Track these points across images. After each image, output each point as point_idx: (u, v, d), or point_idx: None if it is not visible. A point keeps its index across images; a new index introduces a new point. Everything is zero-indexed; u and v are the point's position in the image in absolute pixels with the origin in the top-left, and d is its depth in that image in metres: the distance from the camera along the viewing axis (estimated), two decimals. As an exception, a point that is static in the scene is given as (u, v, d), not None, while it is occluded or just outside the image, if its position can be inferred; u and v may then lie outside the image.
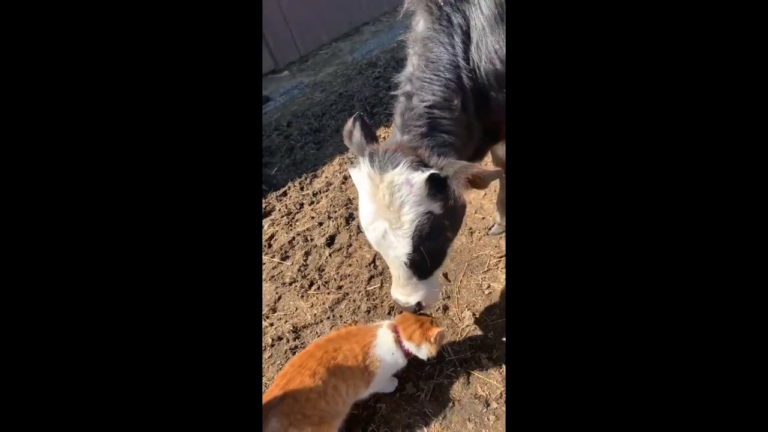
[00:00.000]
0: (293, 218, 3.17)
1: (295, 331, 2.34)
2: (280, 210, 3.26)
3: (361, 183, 1.62)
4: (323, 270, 2.67)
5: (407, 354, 1.77)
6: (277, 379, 1.71)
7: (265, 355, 2.28)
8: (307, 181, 3.47)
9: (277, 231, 3.09)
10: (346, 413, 1.76)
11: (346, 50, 5.56)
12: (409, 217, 1.58)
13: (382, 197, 1.56)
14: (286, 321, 2.43)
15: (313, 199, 3.28)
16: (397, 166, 1.55)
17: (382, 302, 2.37)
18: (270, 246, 2.97)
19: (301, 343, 2.26)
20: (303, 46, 5.53)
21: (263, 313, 2.51)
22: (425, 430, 1.77)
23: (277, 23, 5.18)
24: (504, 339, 1.99)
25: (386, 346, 1.76)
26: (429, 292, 1.79)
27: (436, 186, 1.58)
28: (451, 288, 2.30)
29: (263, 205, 3.34)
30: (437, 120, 1.68)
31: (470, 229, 2.60)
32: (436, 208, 1.59)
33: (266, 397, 1.64)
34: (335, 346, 1.75)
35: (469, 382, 1.87)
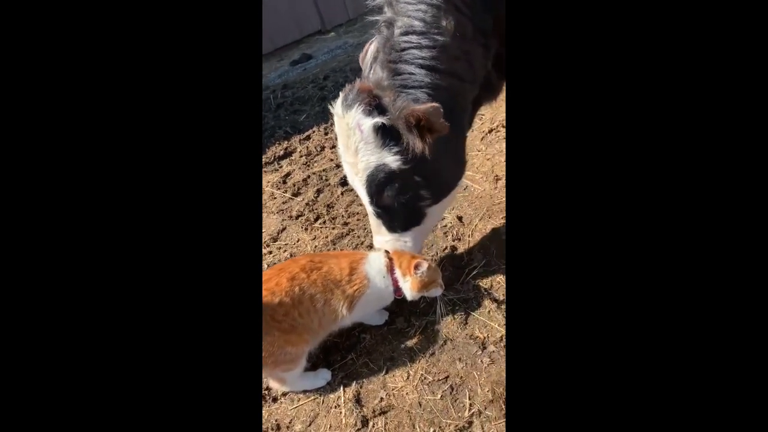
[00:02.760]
0: (312, 159, 3.05)
1: (292, 259, 2.21)
2: (300, 151, 3.16)
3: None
4: (332, 207, 2.53)
5: (396, 285, 1.56)
6: (253, 280, 1.57)
7: (258, 279, 2.16)
8: (333, 126, 3.35)
9: (294, 170, 2.99)
10: (322, 336, 1.58)
11: (395, 16, 5.40)
12: (362, 165, 1.42)
13: (344, 138, 1.43)
14: (285, 250, 2.30)
15: (335, 143, 3.14)
16: (353, 107, 1.37)
17: (386, 240, 2.18)
18: (284, 182, 2.88)
19: (295, 270, 2.12)
20: (353, 10, 5.44)
21: (263, 241, 2.40)
22: (409, 364, 1.56)
23: (329, -16, 5.12)
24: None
25: (377, 267, 1.57)
26: (400, 245, 1.61)
27: (389, 136, 1.37)
28: (464, 231, 2.07)
29: (285, 147, 3.26)
30: (413, 51, 1.40)
31: (496, 176, 2.34)
32: (392, 161, 1.39)
33: (237, 297, 1.50)
34: (322, 258, 1.59)
35: (466, 323, 1.64)
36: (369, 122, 1.35)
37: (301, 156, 3.10)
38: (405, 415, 1.42)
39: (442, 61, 1.41)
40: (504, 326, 1.58)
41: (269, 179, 2.96)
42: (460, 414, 1.38)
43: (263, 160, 3.18)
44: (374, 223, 1.59)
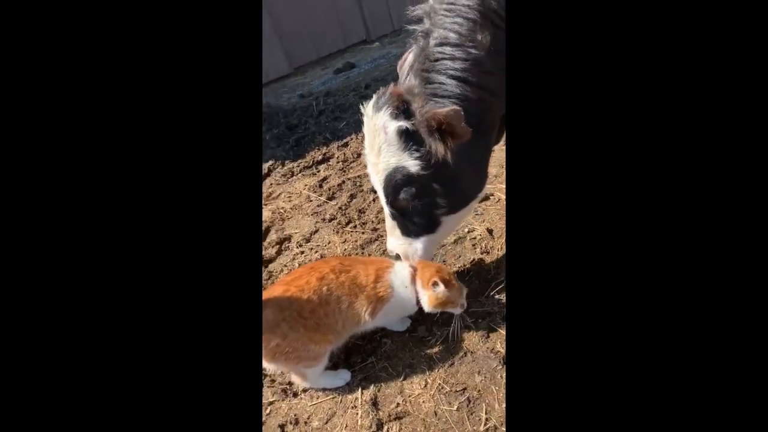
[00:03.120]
0: (348, 165, 3.14)
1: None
2: (338, 157, 3.26)
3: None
4: (363, 212, 2.59)
5: (417, 296, 1.59)
6: (285, 276, 1.65)
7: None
8: (370, 134, 3.43)
9: (330, 174, 3.08)
10: (344, 338, 1.63)
11: (439, 28, 5.45)
12: (382, 165, 1.47)
13: (370, 138, 1.49)
14: (317, 251, 2.38)
15: (372, 151, 3.22)
16: (381, 109, 1.43)
17: (414, 248, 2.20)
18: (321, 186, 2.97)
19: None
20: (398, 20, 5.54)
21: (296, 241, 2.49)
22: (427, 373, 1.57)
23: (376, -4, 5.25)
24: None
25: (401, 276, 1.60)
26: (412, 251, 1.64)
27: (412, 140, 1.41)
28: (493, 244, 2.06)
29: (323, 152, 3.37)
30: (446, 62, 1.43)
31: (529, 192, 2.32)
32: (412, 165, 1.43)
33: (269, 292, 1.58)
34: (351, 262, 1.64)
35: (488, 337, 1.63)
36: (394, 125, 1.40)
37: (338, 162, 3.20)
38: (420, 422, 1.43)
39: (474, 74, 1.44)
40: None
41: (306, 183, 3.07)
42: (475, 427, 1.38)
43: (302, 164, 3.30)
44: (389, 224, 1.64)
